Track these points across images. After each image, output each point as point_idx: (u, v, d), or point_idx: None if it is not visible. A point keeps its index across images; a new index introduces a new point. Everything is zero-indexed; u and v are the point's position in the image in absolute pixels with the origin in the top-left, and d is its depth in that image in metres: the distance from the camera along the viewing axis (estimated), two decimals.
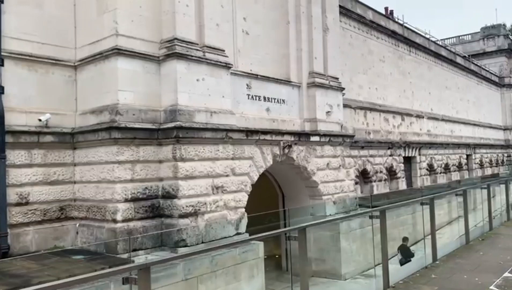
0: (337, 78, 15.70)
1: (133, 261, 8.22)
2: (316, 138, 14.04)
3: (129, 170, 9.55)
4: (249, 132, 11.56)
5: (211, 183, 10.51)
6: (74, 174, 10.32)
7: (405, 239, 16.90)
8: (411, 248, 18.74)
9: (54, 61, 10.30)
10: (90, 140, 9.90)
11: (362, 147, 20.95)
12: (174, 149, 9.90)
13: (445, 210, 22.12)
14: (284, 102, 13.84)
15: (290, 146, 12.91)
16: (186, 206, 9.86)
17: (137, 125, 9.69)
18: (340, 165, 15.10)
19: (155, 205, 10.00)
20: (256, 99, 12.84)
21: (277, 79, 13.61)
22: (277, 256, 16.17)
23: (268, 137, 12.21)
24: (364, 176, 21.33)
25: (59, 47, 10.46)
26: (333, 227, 13.87)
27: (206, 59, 10.78)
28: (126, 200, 9.45)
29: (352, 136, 15.92)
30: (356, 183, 20.28)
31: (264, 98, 13.14)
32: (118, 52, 9.66)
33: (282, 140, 12.71)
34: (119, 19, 9.78)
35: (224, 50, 11.36)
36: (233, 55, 12.30)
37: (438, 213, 19.03)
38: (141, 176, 9.76)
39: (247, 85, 12.58)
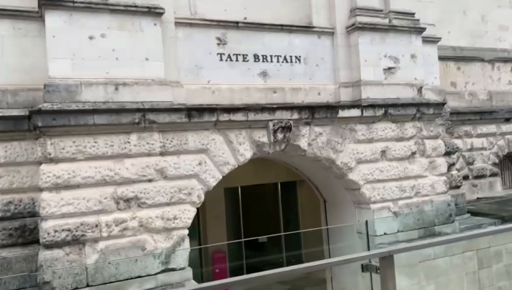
0: (411, 14, 9.82)
1: None
2: (354, 112, 8.76)
3: None
4: (194, 110, 7.40)
5: (113, 194, 6.85)
6: None
7: None
8: None
9: None
10: None
11: (508, 120, 13.78)
12: (39, 145, 6.63)
13: None
14: (299, 60, 9.00)
15: (289, 129, 8.13)
16: (56, 231, 6.48)
17: None
18: (412, 153, 9.35)
19: (27, 226, 6.90)
20: (238, 60, 8.45)
21: (283, 26, 8.86)
22: None
23: (240, 116, 7.76)
24: None
25: None
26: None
27: (107, 4, 7.09)
28: None
29: (439, 104, 9.79)
30: (494, 174, 13.42)
31: (256, 57, 8.62)
32: None
33: (272, 120, 8.06)
34: None
35: None
36: None
37: None
38: (1, 186, 6.79)
39: (219, 39, 8.30)
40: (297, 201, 12.93)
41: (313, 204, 11.45)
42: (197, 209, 11.49)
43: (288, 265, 12.10)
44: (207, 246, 11.10)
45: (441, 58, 12.23)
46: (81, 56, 6.90)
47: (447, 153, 10.35)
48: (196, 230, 11.22)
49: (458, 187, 10.69)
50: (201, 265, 11.11)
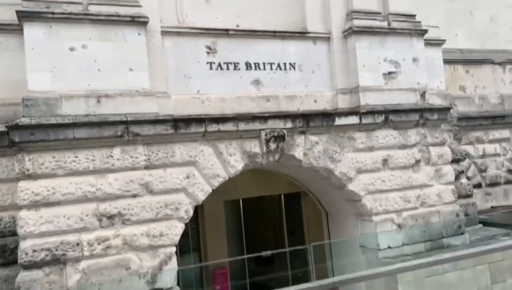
0: (412, 16, 9.41)
1: None
2: (352, 119, 8.35)
3: None
4: (181, 121, 7.10)
5: (95, 211, 6.55)
6: None
7: None
8: None
9: None
10: None
11: None
12: (16, 162, 6.39)
13: None
14: (294, 67, 8.66)
15: (282, 138, 7.76)
16: (34, 251, 6.20)
17: None
18: (416, 161, 8.87)
19: (8, 246, 6.69)
20: (229, 69, 8.14)
21: (276, 32, 8.54)
22: None
23: (229, 126, 7.42)
24: None
25: None
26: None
27: (88, 14, 6.87)
28: None
29: (444, 109, 9.30)
30: (509, 182, 12.78)
31: (248, 65, 8.31)
32: None
33: (264, 129, 7.70)
34: None
35: None
36: (175, 3, 7.96)
37: None
38: None
39: (209, 48, 8.02)
40: (302, 213, 12.41)
41: (318, 216, 10.97)
42: (196, 223, 11.18)
43: (293, 281, 11.62)
44: (202, 264, 10.69)
45: (449, 62, 11.78)
46: (62, 68, 6.68)
47: (456, 161, 9.84)
48: (195, 246, 10.86)
49: (468, 196, 10.13)
50: (201, 283, 10.71)
